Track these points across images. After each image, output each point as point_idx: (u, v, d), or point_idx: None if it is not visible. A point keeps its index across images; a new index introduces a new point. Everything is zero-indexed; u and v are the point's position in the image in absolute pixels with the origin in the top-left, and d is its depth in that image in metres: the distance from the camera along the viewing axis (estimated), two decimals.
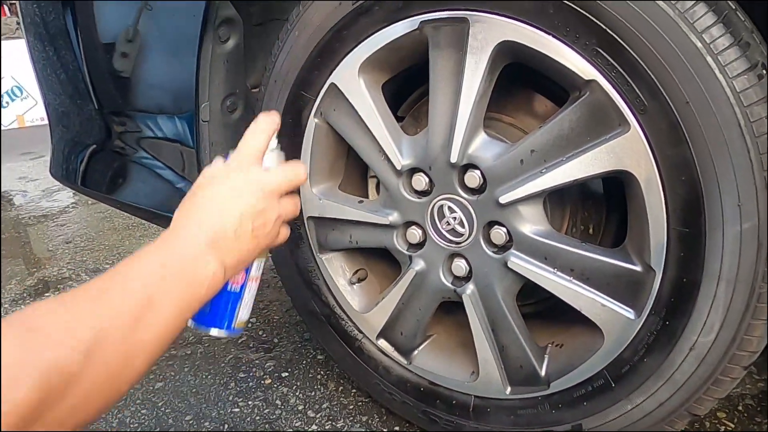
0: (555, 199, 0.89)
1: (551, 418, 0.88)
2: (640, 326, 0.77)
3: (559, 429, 0.88)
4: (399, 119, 1.02)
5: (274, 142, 0.82)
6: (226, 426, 1.12)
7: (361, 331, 1.05)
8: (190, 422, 1.14)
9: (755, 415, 1.04)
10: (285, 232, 0.82)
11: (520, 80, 0.92)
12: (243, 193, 0.74)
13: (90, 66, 1.17)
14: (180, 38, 1.04)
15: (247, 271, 0.79)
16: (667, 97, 0.67)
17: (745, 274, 0.69)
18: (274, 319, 1.48)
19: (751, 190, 0.66)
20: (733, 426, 1.02)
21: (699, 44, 0.64)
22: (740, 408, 1.05)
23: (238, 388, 1.23)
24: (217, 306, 0.78)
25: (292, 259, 1.09)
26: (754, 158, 0.65)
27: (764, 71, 0.65)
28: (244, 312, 0.80)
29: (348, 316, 1.06)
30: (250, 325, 1.46)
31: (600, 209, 0.92)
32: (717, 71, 0.64)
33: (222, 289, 0.75)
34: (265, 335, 1.42)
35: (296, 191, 0.83)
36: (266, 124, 0.81)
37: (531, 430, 0.91)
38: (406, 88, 1.03)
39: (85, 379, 0.55)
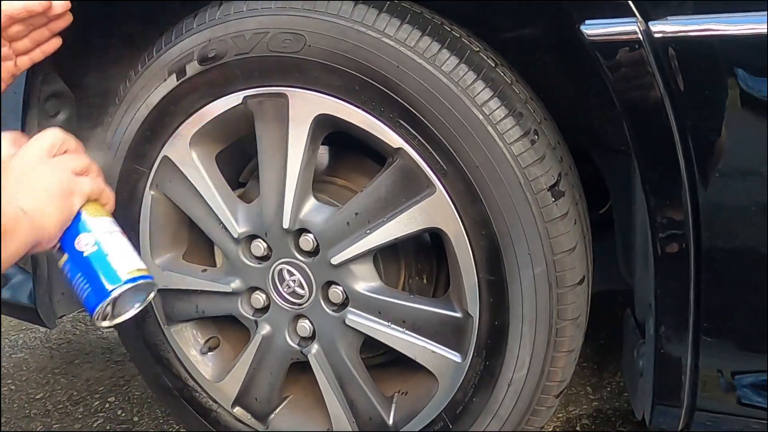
0: (388, 254, 0.95)
1: None
2: (466, 368, 0.84)
3: None
4: (242, 185, 1.04)
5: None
6: None
7: (215, 401, 1.04)
8: None
9: None
10: (85, 180, 0.76)
11: (350, 144, 0.98)
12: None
13: None
14: (3, 115, 1.00)
15: (88, 230, 0.74)
16: (460, 162, 0.76)
17: (542, 313, 0.78)
18: (134, 395, 1.40)
19: (537, 238, 0.75)
20: None
21: (480, 116, 0.74)
22: (578, 428, 1.16)
23: None
24: (92, 275, 0.73)
25: (138, 334, 1.05)
26: (535, 212, 0.75)
27: (536, 136, 0.75)
28: (122, 261, 0.74)
29: (201, 386, 1.04)
30: (107, 404, 1.38)
31: (431, 259, 0.99)
32: (497, 138, 0.74)
33: (81, 261, 0.72)
34: (124, 414, 1.34)
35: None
36: None
37: None
38: (247, 154, 1.06)
39: None
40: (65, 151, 0.76)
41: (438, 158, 0.77)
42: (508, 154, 0.74)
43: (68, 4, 0.82)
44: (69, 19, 0.84)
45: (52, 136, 0.76)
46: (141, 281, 0.75)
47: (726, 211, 0.67)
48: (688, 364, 0.71)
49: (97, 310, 0.73)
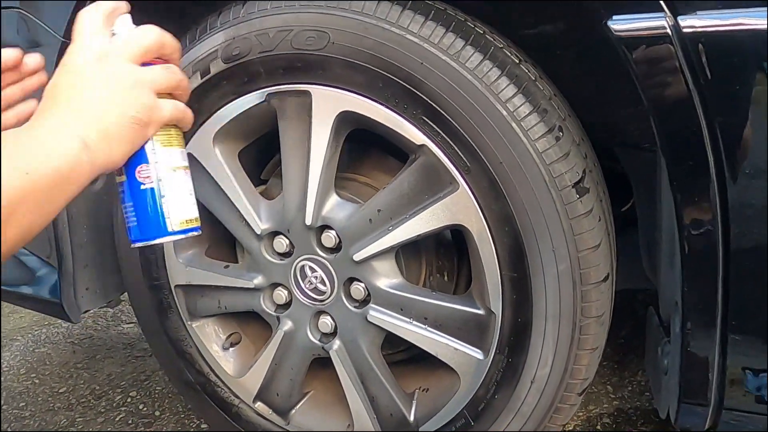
0: (410, 251, 0.95)
1: None
2: (488, 366, 0.84)
3: None
4: (263, 182, 1.05)
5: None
6: None
7: (237, 396, 1.04)
8: None
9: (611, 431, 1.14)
10: (167, 105, 0.65)
11: (373, 141, 0.98)
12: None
13: None
14: None
15: (154, 162, 0.66)
16: (484, 159, 0.75)
17: (566, 310, 0.77)
18: (155, 390, 1.42)
19: (561, 236, 0.75)
20: None
21: (504, 112, 0.73)
22: (599, 427, 1.15)
23: None
24: (142, 212, 0.67)
25: (162, 329, 1.06)
26: (560, 208, 0.74)
27: (561, 133, 0.75)
28: (176, 209, 0.69)
29: (223, 381, 1.05)
30: (129, 399, 1.40)
31: (452, 257, 0.99)
32: (521, 135, 0.73)
33: (137, 193, 0.66)
34: (145, 409, 1.35)
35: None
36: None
37: None
38: (268, 151, 1.07)
39: None
40: (158, 58, 0.64)
41: (461, 155, 0.77)
42: (532, 150, 0.73)
43: (42, 62, 0.70)
44: (44, 79, 0.70)
45: (148, 37, 0.62)
46: (187, 234, 0.71)
47: (756, 209, 0.66)
48: (715, 363, 0.70)
49: (136, 244, 0.70)
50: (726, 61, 0.62)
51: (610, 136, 0.94)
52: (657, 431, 1.12)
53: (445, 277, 0.99)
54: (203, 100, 0.90)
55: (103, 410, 1.36)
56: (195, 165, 0.94)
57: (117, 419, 1.32)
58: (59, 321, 1.83)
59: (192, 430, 1.26)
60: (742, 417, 0.73)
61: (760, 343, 0.70)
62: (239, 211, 0.92)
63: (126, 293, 1.12)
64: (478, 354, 0.84)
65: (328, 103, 0.82)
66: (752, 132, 0.64)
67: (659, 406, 0.85)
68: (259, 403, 1.03)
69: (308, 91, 0.83)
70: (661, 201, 0.79)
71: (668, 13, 0.63)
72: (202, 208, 0.98)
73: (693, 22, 0.62)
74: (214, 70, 0.87)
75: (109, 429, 1.29)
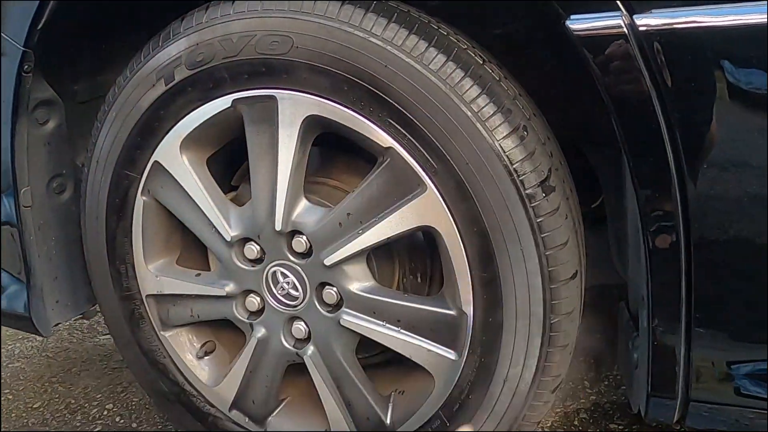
0: (382, 254, 0.95)
1: None
2: (462, 366, 0.84)
3: None
4: (234, 188, 1.04)
5: None
6: None
7: (213, 405, 1.03)
8: None
9: (588, 426, 1.14)
10: None
11: (343, 144, 0.98)
12: None
13: None
14: None
15: None
16: (450, 160, 0.76)
17: (536, 308, 0.78)
18: (132, 402, 1.40)
19: (529, 234, 0.75)
20: None
21: (469, 113, 0.74)
22: (576, 422, 1.16)
23: None
24: None
25: (134, 340, 1.05)
26: (527, 209, 0.75)
27: (526, 133, 0.76)
28: None
29: (198, 391, 1.04)
30: (106, 412, 1.37)
31: (424, 258, 0.99)
32: (486, 135, 0.74)
33: None
34: (122, 421, 1.33)
35: None
36: None
37: None
38: (239, 157, 1.06)
39: None
40: None
41: (428, 156, 0.77)
42: (497, 150, 0.74)
43: None
44: None
45: None
46: None
47: (715, 203, 0.67)
48: (681, 356, 0.71)
49: None
50: (681, 58, 0.64)
51: (577, 135, 0.95)
52: (633, 425, 1.14)
53: (419, 279, 0.99)
54: (169, 106, 0.89)
55: (78, 425, 1.34)
56: (163, 173, 0.93)
57: None
58: (33, 335, 1.80)
59: None
60: (711, 409, 0.74)
61: (724, 335, 0.71)
62: (208, 219, 0.92)
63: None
64: (451, 355, 0.84)
65: (294, 107, 0.82)
66: (710, 128, 0.65)
67: (631, 400, 0.86)
68: (234, 411, 1.02)
69: (274, 96, 0.82)
70: (627, 197, 0.80)
71: (624, 12, 0.64)
72: (172, 216, 0.97)
73: (648, 21, 0.63)
74: (178, 77, 0.86)
75: None
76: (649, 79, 0.64)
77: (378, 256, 0.93)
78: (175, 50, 0.86)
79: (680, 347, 0.71)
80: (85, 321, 1.86)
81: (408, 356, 0.87)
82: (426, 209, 0.79)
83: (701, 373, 0.72)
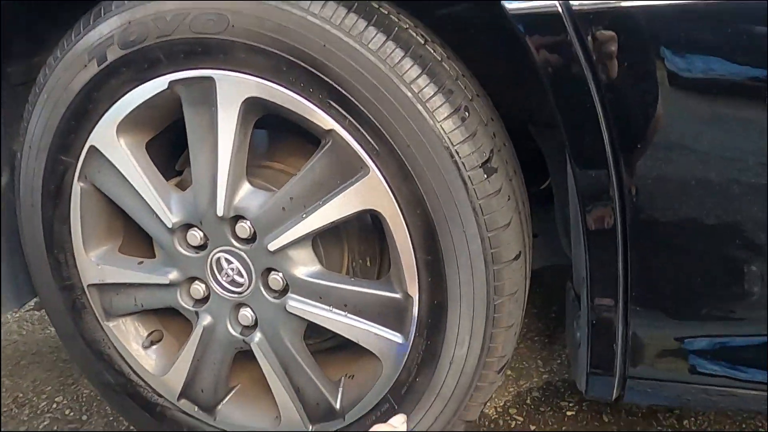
0: (331, 238, 0.94)
1: None
2: (409, 349, 0.84)
3: None
4: (179, 173, 1.01)
5: None
6: None
7: (161, 395, 1.01)
8: None
9: (540, 405, 1.16)
10: None
11: (289, 126, 0.96)
12: None
13: None
14: None
15: None
16: (391, 142, 0.75)
17: (479, 290, 0.78)
18: (83, 394, 1.36)
19: (471, 216, 0.75)
20: (522, 419, 1.13)
21: (409, 93, 0.73)
22: (528, 401, 1.18)
23: None
24: None
25: (77, 331, 1.02)
26: (468, 189, 0.74)
27: (467, 113, 0.75)
28: None
29: (145, 381, 1.01)
30: (55, 405, 1.34)
31: (373, 242, 0.98)
32: (427, 116, 0.73)
33: None
34: (72, 413, 1.30)
35: None
36: None
37: None
38: (182, 141, 1.03)
39: None
40: None
41: (369, 138, 0.75)
42: (438, 131, 0.73)
43: None
44: None
45: None
46: None
47: (650, 184, 0.68)
48: (619, 334, 0.72)
49: None
50: (617, 40, 0.63)
51: (524, 116, 0.95)
52: (583, 402, 1.16)
53: (368, 263, 0.98)
54: (102, 88, 0.85)
55: (26, 419, 1.30)
56: (99, 157, 0.90)
57: (41, 427, 1.26)
58: None
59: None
60: (650, 386, 0.76)
61: (660, 313, 0.72)
62: (148, 205, 0.89)
63: None
64: (398, 338, 0.84)
65: (233, 89, 0.79)
66: (645, 111, 0.66)
67: (576, 379, 0.87)
68: (183, 400, 1.00)
69: (212, 77, 0.80)
70: (569, 178, 0.80)
71: None
72: (112, 202, 0.94)
73: (583, 1, 0.63)
74: (111, 57, 0.83)
75: None
76: (584, 59, 0.64)
77: (325, 240, 0.92)
78: (107, 29, 0.83)
79: (618, 325, 0.72)
80: (36, 312, 1.81)
81: (356, 341, 0.86)
82: (369, 192, 0.78)
83: (639, 350, 0.73)
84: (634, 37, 0.64)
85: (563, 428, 1.10)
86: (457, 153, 0.73)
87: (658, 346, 0.73)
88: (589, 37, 0.63)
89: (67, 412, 1.31)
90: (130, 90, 0.84)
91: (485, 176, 0.75)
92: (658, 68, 0.64)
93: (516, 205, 0.80)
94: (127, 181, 0.89)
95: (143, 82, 0.83)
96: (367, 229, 0.99)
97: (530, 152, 0.95)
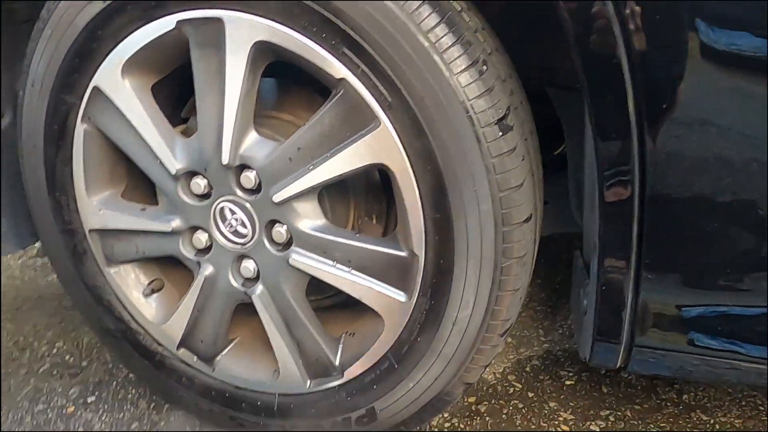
0: (337, 194, 0.92)
1: (348, 405, 0.92)
2: (412, 308, 0.82)
3: (355, 414, 0.91)
4: (184, 121, 0.99)
5: None
6: None
7: (160, 344, 1.01)
8: None
9: (539, 373, 1.16)
10: None
11: (299, 77, 0.93)
12: None
13: None
14: None
15: None
16: (405, 93, 0.72)
17: (488, 251, 0.76)
18: (83, 341, 1.37)
19: (483, 175, 0.73)
20: (520, 386, 1.13)
21: (426, 43, 0.70)
22: (527, 369, 1.17)
23: (34, 422, 1.12)
24: None
25: (78, 276, 1.01)
26: (482, 146, 0.72)
27: (485, 67, 0.72)
28: None
29: (145, 329, 1.01)
30: (55, 350, 1.34)
31: (380, 199, 0.96)
32: (443, 68, 0.70)
33: None
34: (72, 359, 1.31)
35: None
36: None
37: (331, 419, 0.93)
38: (188, 87, 1.00)
39: None
40: None
41: (382, 89, 0.73)
42: (454, 84, 0.70)
43: None
44: None
45: None
46: None
47: (674, 154, 0.65)
48: (629, 302, 0.71)
49: None
50: (653, 8, 0.60)
51: (543, 77, 0.92)
52: (582, 372, 1.15)
53: (374, 220, 0.96)
54: (107, 26, 0.82)
55: (26, 362, 1.31)
56: (103, 99, 0.87)
57: (40, 371, 1.27)
58: None
59: (119, 379, 1.22)
60: (654, 354, 0.75)
61: (671, 282, 0.70)
62: (152, 150, 0.87)
63: None
64: (401, 297, 0.83)
65: (243, 31, 0.76)
66: (675, 84, 0.63)
67: (579, 347, 0.86)
68: (183, 349, 0.99)
69: (221, 18, 0.77)
70: (587, 145, 0.77)
71: None
72: (114, 146, 0.92)
73: None
74: None
75: (32, 380, 1.24)
76: (617, 22, 0.60)
77: (332, 195, 0.90)
78: None
79: (628, 293, 0.70)
80: (38, 259, 1.81)
81: (358, 298, 0.85)
82: (379, 146, 0.76)
83: (647, 318, 0.72)
84: (671, 8, 0.61)
85: (561, 397, 1.10)
86: (473, 108, 0.71)
87: (666, 316, 0.72)
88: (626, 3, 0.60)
89: (67, 357, 1.31)
90: (136, 29, 0.81)
91: (500, 134, 0.72)
92: (691, 39, 0.61)
93: (530, 166, 0.77)
94: (131, 124, 0.87)
95: (150, 21, 0.80)
96: (374, 186, 0.96)
97: (544, 117, 0.92)
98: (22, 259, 1.81)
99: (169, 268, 1.04)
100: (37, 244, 1.87)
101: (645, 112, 0.64)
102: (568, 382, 1.13)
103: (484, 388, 1.13)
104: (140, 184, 1.01)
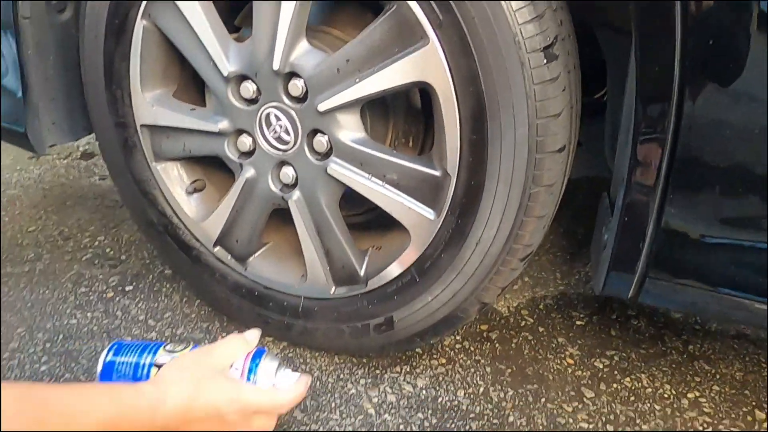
0: (378, 113, 0.95)
1: (368, 312, 0.97)
2: (439, 225, 0.87)
3: (374, 322, 0.97)
4: (236, 30, 1.02)
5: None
6: (61, 336, 1.12)
7: (198, 240, 1.08)
8: (22, 334, 1.12)
9: (551, 311, 1.20)
10: None
11: None
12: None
13: None
14: None
15: None
16: (457, 12, 0.74)
17: (518, 175, 0.79)
18: (123, 237, 1.45)
19: (524, 99, 0.75)
20: (532, 320, 1.18)
21: None
22: (540, 306, 1.22)
23: (77, 302, 1.21)
24: None
25: (126, 168, 1.07)
26: (525, 71, 0.74)
27: None
28: None
29: (185, 225, 1.07)
30: (97, 242, 1.43)
31: (419, 123, 0.99)
32: None
33: None
34: (112, 252, 1.39)
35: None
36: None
37: (351, 325, 1.00)
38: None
39: None
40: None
41: (435, 7, 0.75)
42: (505, 6, 0.71)
43: None
44: None
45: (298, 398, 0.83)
46: None
47: (711, 94, 0.67)
48: (648, 233, 0.74)
49: None
50: None
51: (593, 15, 0.92)
52: (594, 315, 1.19)
53: (410, 143, 1.00)
54: None
55: (70, 250, 1.40)
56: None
57: (83, 259, 1.36)
58: (31, 166, 1.83)
59: (155, 273, 1.31)
60: (667, 287, 0.78)
61: (692, 217, 0.73)
62: (207, 51, 0.90)
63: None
64: (430, 214, 0.87)
65: None
66: (724, 51, 0.63)
67: (594, 282, 0.89)
68: (218, 248, 1.06)
69: None
70: (627, 89, 0.79)
71: None
72: (172, 46, 0.96)
73: None
74: None
75: (75, 266, 1.33)
76: None
77: (373, 113, 0.93)
78: None
79: (649, 225, 0.73)
80: (82, 161, 1.89)
81: (389, 212, 0.89)
82: (426, 63, 0.78)
83: (665, 251, 0.74)
84: None
85: (570, 334, 1.14)
86: (521, 32, 0.72)
87: (683, 249, 0.74)
88: None
89: (107, 250, 1.40)
90: None
91: (545, 61, 0.74)
92: (750, 17, 0.62)
93: (569, 99, 0.79)
94: (189, 24, 0.90)
95: None
96: (414, 110, 0.99)
97: (590, 60, 0.93)
98: (66, 160, 1.90)
99: (211, 171, 1.10)
100: (84, 142, 1.96)
101: (690, 62, 0.65)
102: (578, 323, 1.18)
103: (497, 318, 1.18)
104: (191, 86, 1.06)
